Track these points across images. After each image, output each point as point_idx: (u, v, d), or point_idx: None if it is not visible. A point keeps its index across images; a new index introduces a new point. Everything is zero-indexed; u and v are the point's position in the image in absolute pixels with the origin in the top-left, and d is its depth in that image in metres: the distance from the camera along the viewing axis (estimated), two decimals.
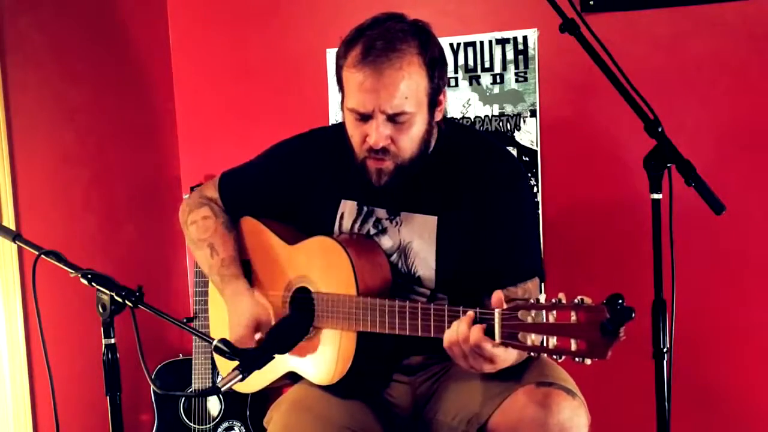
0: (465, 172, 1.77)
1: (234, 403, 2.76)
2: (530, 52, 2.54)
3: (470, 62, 2.61)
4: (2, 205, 2.39)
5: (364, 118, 1.67)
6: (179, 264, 3.04)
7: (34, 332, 2.45)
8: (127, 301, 1.51)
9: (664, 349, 1.59)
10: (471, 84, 2.62)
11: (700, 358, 2.41)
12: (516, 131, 2.58)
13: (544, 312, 1.33)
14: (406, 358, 1.84)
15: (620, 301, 1.25)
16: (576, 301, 1.29)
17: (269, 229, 1.95)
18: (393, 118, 1.65)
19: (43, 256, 1.61)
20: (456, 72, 2.62)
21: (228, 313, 1.88)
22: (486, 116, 2.62)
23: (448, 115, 2.59)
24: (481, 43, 2.60)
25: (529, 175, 2.56)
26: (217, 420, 2.77)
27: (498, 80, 2.59)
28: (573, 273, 2.52)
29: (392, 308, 1.63)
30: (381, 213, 1.83)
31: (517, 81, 2.57)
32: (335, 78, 1.74)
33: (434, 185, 1.78)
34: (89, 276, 1.54)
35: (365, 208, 1.84)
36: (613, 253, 2.51)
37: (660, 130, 1.62)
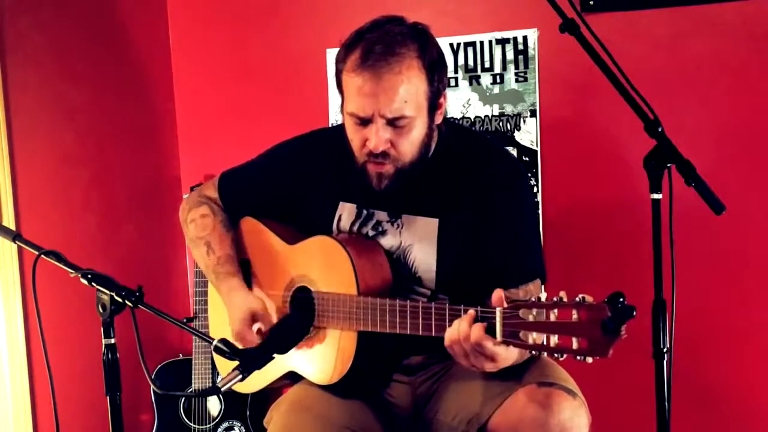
0: (465, 174, 1.77)
1: (234, 403, 2.76)
2: (530, 52, 2.54)
3: (470, 62, 2.61)
4: (2, 205, 2.39)
5: (364, 122, 1.67)
6: (179, 264, 3.04)
7: (34, 332, 2.45)
8: (127, 301, 1.51)
9: (664, 349, 1.59)
10: (471, 84, 2.62)
11: (700, 358, 2.41)
12: (516, 131, 2.58)
13: (545, 310, 1.33)
14: (406, 357, 1.84)
15: (621, 299, 1.25)
16: (577, 299, 1.29)
17: (269, 229, 1.95)
18: (393, 122, 1.65)
19: (43, 256, 1.61)
20: (456, 72, 2.62)
21: (226, 311, 1.88)
22: (486, 116, 2.62)
23: (448, 116, 2.59)
24: (481, 43, 2.60)
25: (529, 175, 2.56)
26: (217, 420, 2.77)
27: (498, 80, 2.59)
28: (573, 273, 2.52)
29: (393, 307, 1.63)
30: (381, 215, 1.82)
31: (517, 81, 2.57)
32: (335, 81, 1.74)
33: (435, 188, 1.78)
34: (89, 276, 1.54)
35: (365, 211, 1.84)
36: (613, 253, 2.51)
37: (660, 130, 1.62)
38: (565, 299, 1.31)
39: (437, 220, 1.77)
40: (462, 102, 2.63)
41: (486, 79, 2.60)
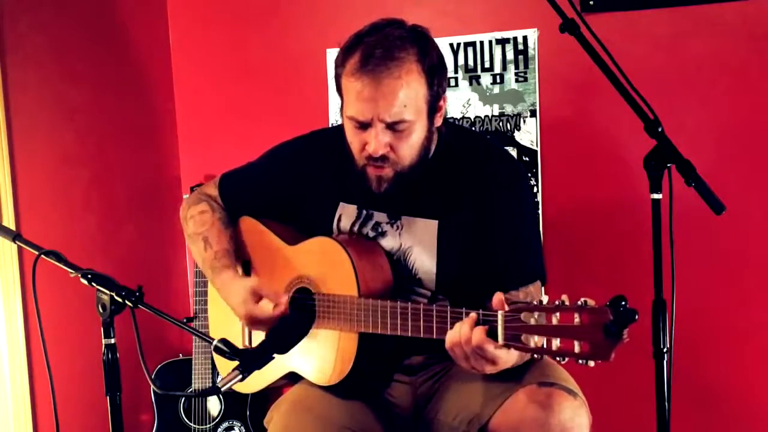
0: (465, 175, 1.77)
1: (234, 403, 2.76)
2: (530, 52, 2.54)
3: (470, 62, 2.61)
4: (2, 205, 2.39)
5: (363, 126, 1.67)
6: (179, 264, 3.04)
7: (34, 332, 2.45)
8: (127, 301, 1.51)
9: (664, 349, 1.59)
10: (471, 84, 2.62)
11: (700, 358, 2.41)
12: (516, 131, 2.58)
13: (547, 314, 1.33)
14: (407, 358, 1.84)
15: (623, 302, 1.25)
16: (579, 303, 1.29)
17: (269, 230, 1.95)
18: (392, 126, 1.65)
19: (43, 256, 1.61)
20: (456, 72, 2.62)
21: (225, 302, 1.86)
22: (486, 116, 2.62)
23: (448, 116, 2.59)
24: (481, 43, 2.60)
25: (529, 175, 2.56)
26: (217, 420, 2.77)
27: (498, 80, 2.59)
28: (573, 273, 2.52)
29: (394, 309, 1.63)
30: (381, 217, 1.82)
31: (517, 81, 2.57)
32: (334, 84, 1.74)
33: (434, 189, 1.78)
34: (89, 276, 1.54)
35: (364, 212, 1.84)
36: (613, 253, 2.51)
37: (660, 130, 1.62)
38: (567, 302, 1.31)
39: (437, 221, 1.76)
40: (462, 102, 2.63)
41: (486, 79, 2.60)
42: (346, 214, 1.85)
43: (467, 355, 1.47)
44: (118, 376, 1.55)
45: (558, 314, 1.31)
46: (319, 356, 1.80)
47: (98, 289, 1.53)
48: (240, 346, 1.79)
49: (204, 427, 2.77)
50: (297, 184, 1.92)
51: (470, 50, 2.61)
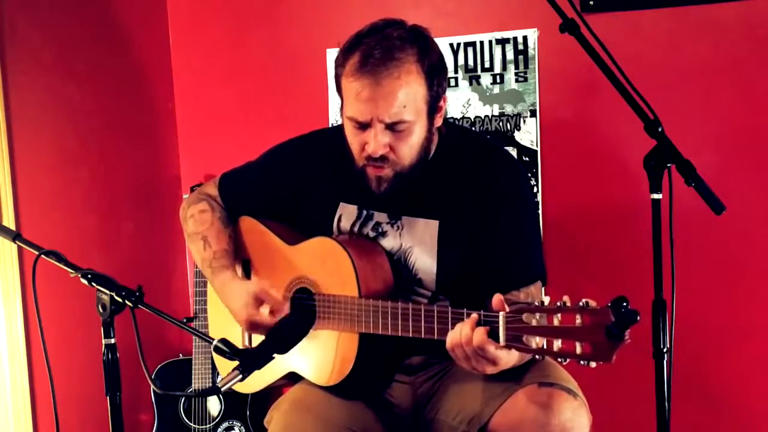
0: (465, 175, 1.77)
1: (234, 403, 2.76)
2: (530, 52, 2.54)
3: (470, 62, 2.61)
4: (2, 205, 2.39)
5: (363, 126, 1.67)
6: (179, 264, 3.04)
7: (34, 332, 2.45)
8: (127, 301, 1.51)
9: (664, 349, 1.59)
10: (471, 84, 2.62)
11: (700, 358, 2.41)
12: (516, 131, 2.58)
13: (548, 315, 1.33)
14: (407, 358, 1.84)
15: (625, 304, 1.24)
16: (581, 304, 1.29)
17: (269, 230, 1.95)
18: (391, 127, 1.65)
19: (43, 256, 1.61)
20: (456, 72, 2.62)
21: (224, 304, 1.86)
22: (486, 116, 2.62)
23: (448, 116, 2.59)
24: (481, 43, 2.60)
25: (529, 175, 2.56)
26: (217, 420, 2.77)
27: (498, 80, 2.59)
28: (573, 273, 2.52)
29: (395, 310, 1.63)
30: (381, 217, 1.82)
31: (517, 81, 2.57)
32: (334, 84, 1.74)
33: (435, 189, 1.78)
34: (89, 276, 1.54)
35: (365, 212, 1.84)
36: (613, 253, 2.51)
37: (660, 130, 1.62)
38: (568, 304, 1.31)
39: (437, 221, 1.76)
40: (462, 102, 2.63)
41: (486, 79, 2.60)
42: (347, 215, 1.85)
43: (468, 355, 1.47)
44: (118, 376, 1.55)
45: (559, 315, 1.31)
46: (319, 356, 1.80)
47: (98, 289, 1.53)
48: (240, 346, 1.79)
49: (204, 427, 2.77)
50: (297, 183, 1.92)
51: (470, 50, 2.61)
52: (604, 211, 2.52)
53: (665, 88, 2.36)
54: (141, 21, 2.91)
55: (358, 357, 1.71)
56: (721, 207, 1.60)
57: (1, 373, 2.41)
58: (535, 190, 2.56)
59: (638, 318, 1.24)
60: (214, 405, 2.77)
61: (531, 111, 2.56)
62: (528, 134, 2.57)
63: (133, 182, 2.87)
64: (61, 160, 2.59)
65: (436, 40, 1.73)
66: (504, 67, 2.58)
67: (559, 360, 1.32)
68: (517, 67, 2.57)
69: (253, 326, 1.78)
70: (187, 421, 2.77)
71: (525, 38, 2.55)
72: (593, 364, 1.27)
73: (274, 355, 1.58)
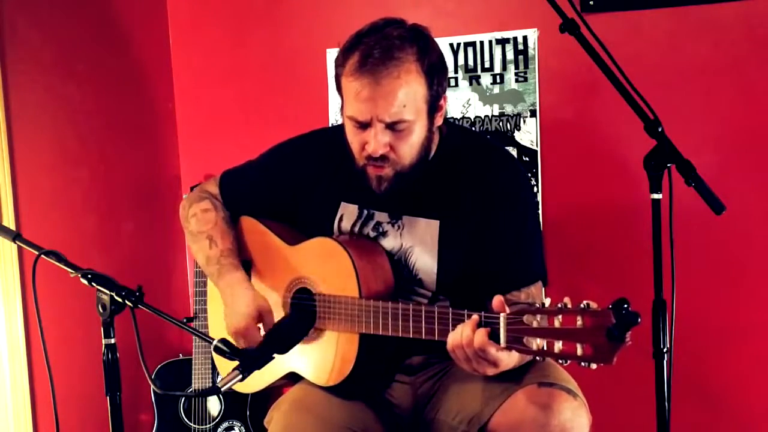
0: (466, 175, 1.77)
1: (234, 403, 2.76)
2: (530, 52, 2.54)
3: (470, 62, 2.61)
4: (2, 205, 2.39)
5: (363, 126, 1.67)
6: (179, 264, 3.04)
7: (34, 332, 2.45)
8: (127, 301, 1.51)
9: (664, 349, 1.59)
10: (471, 84, 2.62)
11: (700, 358, 2.41)
12: (516, 131, 2.58)
13: (549, 316, 1.33)
14: (407, 358, 1.84)
15: (626, 305, 1.24)
16: (582, 305, 1.29)
17: (269, 230, 1.95)
18: (391, 127, 1.65)
19: (43, 256, 1.61)
20: (456, 72, 2.62)
21: (224, 303, 1.85)
22: (486, 116, 2.62)
23: (448, 116, 2.59)
24: (481, 43, 2.60)
25: (529, 175, 2.56)
26: (217, 420, 2.77)
27: (498, 80, 2.59)
28: (573, 273, 2.52)
29: (395, 311, 1.63)
30: (382, 216, 1.82)
31: (517, 81, 2.57)
32: (335, 84, 1.74)
33: (436, 189, 1.78)
34: (89, 276, 1.54)
35: (365, 212, 1.84)
36: (613, 253, 2.51)
37: (660, 130, 1.62)
38: (569, 305, 1.31)
39: (438, 221, 1.76)
40: (462, 102, 2.63)
41: (486, 79, 2.60)
42: (347, 214, 1.85)
43: (469, 357, 1.47)
44: (118, 376, 1.55)
45: (560, 317, 1.31)
46: (319, 357, 1.80)
47: (98, 289, 1.53)
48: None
49: (204, 427, 2.77)
50: (297, 183, 1.91)
51: (470, 50, 2.61)
52: (604, 211, 2.52)
53: (665, 88, 2.36)
54: (141, 21, 2.91)
55: (358, 357, 1.71)
56: (721, 207, 1.60)
57: (1, 373, 2.41)
58: (535, 190, 2.56)
59: (639, 320, 1.24)
60: (214, 405, 2.77)
61: (531, 111, 2.56)
62: (528, 134, 2.57)
63: (133, 182, 2.87)
64: (61, 160, 2.59)
65: (436, 40, 1.73)
66: (504, 67, 2.58)
67: (560, 361, 1.32)
68: (517, 67, 2.57)
69: (242, 336, 1.77)
70: (187, 421, 2.77)
71: (525, 38, 2.55)
72: (594, 366, 1.28)
73: (274, 355, 1.58)
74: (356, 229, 1.84)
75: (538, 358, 1.37)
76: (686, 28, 2.40)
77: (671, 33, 2.41)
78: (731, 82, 2.37)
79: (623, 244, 2.48)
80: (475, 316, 1.47)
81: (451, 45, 2.61)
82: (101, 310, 1.54)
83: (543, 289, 1.78)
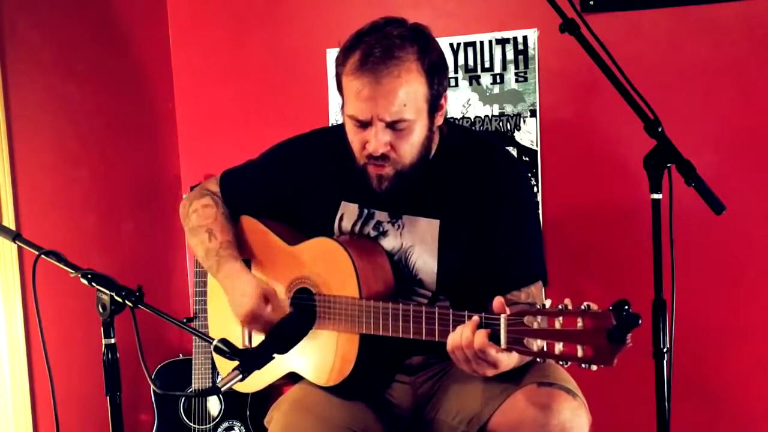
0: (466, 174, 1.77)
1: (234, 403, 2.76)
2: (530, 52, 2.54)
3: (470, 62, 2.61)
4: (2, 205, 2.39)
5: (363, 125, 1.67)
6: (179, 264, 3.04)
7: (34, 332, 2.45)
8: (127, 301, 1.51)
9: (664, 349, 1.59)
10: (471, 84, 2.62)
11: (700, 358, 2.41)
12: (516, 131, 2.58)
13: (549, 318, 1.33)
14: (407, 358, 1.84)
15: (626, 307, 1.24)
16: (582, 307, 1.29)
17: (269, 229, 1.95)
18: (392, 126, 1.65)
19: (43, 256, 1.61)
20: (456, 72, 2.62)
21: (226, 294, 1.85)
22: (486, 116, 2.62)
23: (448, 116, 2.59)
24: (481, 43, 2.60)
25: (529, 175, 2.56)
26: (217, 420, 2.77)
27: (498, 80, 2.59)
28: (573, 273, 2.52)
29: (396, 311, 1.63)
30: (382, 216, 1.82)
31: (517, 81, 2.57)
32: (335, 83, 1.74)
33: (436, 188, 1.78)
34: (89, 276, 1.54)
35: (366, 211, 1.84)
36: (613, 253, 2.51)
37: (660, 130, 1.62)
38: (570, 307, 1.31)
39: (438, 221, 1.76)
40: (462, 102, 2.63)
41: (486, 79, 2.60)
42: (348, 214, 1.85)
43: (468, 358, 1.47)
44: (118, 376, 1.55)
45: (561, 318, 1.31)
46: (319, 357, 1.80)
47: (98, 289, 1.53)
48: (240, 346, 1.79)
49: (204, 427, 2.77)
50: (297, 182, 1.92)
51: (470, 50, 2.61)
52: (604, 211, 2.52)
53: (665, 88, 2.36)
54: (141, 21, 2.91)
55: (358, 357, 1.71)
56: (721, 207, 1.60)
57: (1, 373, 2.41)
58: (535, 190, 2.56)
59: (640, 322, 1.24)
60: (214, 405, 2.77)
61: (531, 111, 2.56)
62: (528, 134, 2.57)
63: (133, 182, 2.87)
64: (61, 160, 2.59)
65: (436, 40, 1.73)
66: (504, 67, 2.58)
67: (561, 363, 1.32)
68: (517, 67, 2.57)
69: (253, 318, 1.77)
70: (187, 421, 2.77)
71: (525, 38, 2.55)
72: (594, 368, 1.28)
73: (274, 355, 1.58)
74: (357, 228, 1.84)
75: (538, 359, 1.37)
76: (686, 28, 2.40)
77: (671, 33, 2.41)
78: (731, 82, 2.37)
79: (623, 244, 2.48)
80: (475, 317, 1.47)
81: (451, 45, 2.61)
82: (101, 310, 1.54)
83: (543, 288, 1.77)
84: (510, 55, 2.57)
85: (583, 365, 1.28)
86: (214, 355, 1.56)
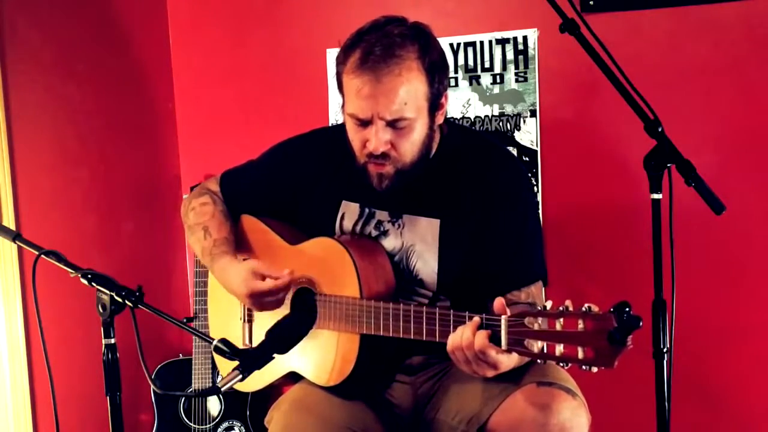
0: (467, 174, 1.77)
1: (234, 403, 2.76)
2: (530, 52, 2.54)
3: (470, 62, 2.61)
4: (2, 205, 2.39)
5: (364, 123, 1.67)
6: (179, 264, 3.04)
7: (34, 332, 2.45)
8: (127, 301, 1.51)
9: (664, 349, 1.59)
10: (471, 84, 2.62)
11: (700, 358, 2.41)
12: (516, 131, 2.58)
13: (550, 319, 1.33)
14: (408, 358, 1.84)
15: (627, 309, 1.24)
16: (583, 308, 1.29)
17: (270, 229, 1.95)
18: (392, 124, 1.65)
19: (43, 256, 1.61)
20: (456, 72, 2.62)
21: (225, 288, 1.85)
22: (486, 116, 2.62)
23: (448, 116, 2.59)
24: (481, 43, 2.60)
25: (529, 175, 2.56)
26: (217, 420, 2.77)
27: (498, 80, 2.59)
28: (573, 273, 2.52)
29: (396, 312, 1.63)
30: (383, 215, 1.82)
31: (517, 81, 2.57)
32: (336, 82, 1.74)
33: (436, 188, 1.78)
34: (89, 276, 1.54)
35: (367, 210, 1.84)
36: (614, 253, 2.51)
37: (660, 130, 1.62)
38: (570, 308, 1.31)
39: (439, 220, 1.76)
40: (462, 102, 2.63)
41: (486, 79, 2.60)
42: (349, 213, 1.85)
43: (468, 359, 1.47)
44: (118, 376, 1.55)
45: (561, 320, 1.31)
46: (319, 357, 1.80)
47: (98, 289, 1.53)
48: (240, 346, 1.79)
49: (204, 427, 2.77)
50: (297, 182, 1.92)
51: (470, 50, 2.61)
52: (604, 211, 2.52)
53: (665, 88, 2.36)
54: (141, 21, 2.91)
55: (359, 357, 1.71)
56: (721, 207, 1.60)
57: (1, 373, 2.41)
58: (535, 190, 2.56)
59: (641, 324, 1.24)
60: (214, 405, 2.77)
61: (531, 111, 2.56)
62: (528, 134, 2.57)
63: (133, 182, 2.87)
64: (61, 160, 2.59)
65: (437, 39, 1.73)
66: (504, 67, 2.58)
67: (561, 364, 1.32)
68: (517, 67, 2.57)
69: (256, 296, 1.75)
70: (187, 421, 2.77)
71: (525, 38, 2.55)
72: (595, 369, 1.28)
73: (275, 355, 1.57)
74: (358, 228, 1.84)
75: (539, 360, 1.37)
76: (686, 28, 2.40)
77: (671, 33, 2.41)
78: (731, 82, 2.37)
79: (623, 244, 2.48)
80: (476, 318, 1.47)
81: (451, 45, 2.61)
82: (101, 310, 1.53)
83: (543, 288, 1.78)
84: (510, 55, 2.57)
85: (583, 367, 1.28)
86: (214, 355, 1.55)
